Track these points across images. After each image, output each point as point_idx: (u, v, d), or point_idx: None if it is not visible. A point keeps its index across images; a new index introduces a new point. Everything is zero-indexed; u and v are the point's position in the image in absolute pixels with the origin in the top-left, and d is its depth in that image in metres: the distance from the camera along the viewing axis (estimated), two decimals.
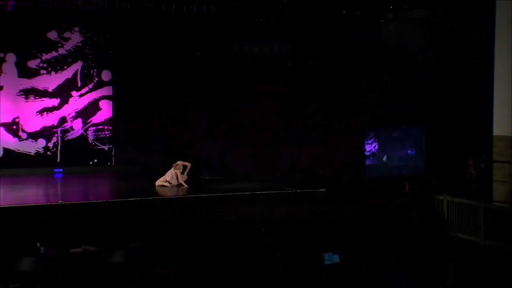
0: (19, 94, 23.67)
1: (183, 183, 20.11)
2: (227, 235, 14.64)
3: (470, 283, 14.50)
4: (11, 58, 23.48)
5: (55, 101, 24.06)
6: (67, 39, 24.14)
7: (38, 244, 13.77)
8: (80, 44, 24.31)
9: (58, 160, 23.94)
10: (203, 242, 14.27)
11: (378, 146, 20.00)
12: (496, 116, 19.16)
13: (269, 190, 19.00)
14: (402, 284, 14.35)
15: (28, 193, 19.15)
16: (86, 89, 24.46)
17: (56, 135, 24.02)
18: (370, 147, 20.02)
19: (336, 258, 12.55)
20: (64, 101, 24.15)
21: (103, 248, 13.94)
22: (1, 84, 23.36)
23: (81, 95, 24.39)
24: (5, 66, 23.41)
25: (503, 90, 18.93)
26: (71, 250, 13.81)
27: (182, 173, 20.40)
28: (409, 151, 20.36)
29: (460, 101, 21.26)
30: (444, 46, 22.65)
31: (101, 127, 24.63)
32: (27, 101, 23.74)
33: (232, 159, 22.88)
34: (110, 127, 24.71)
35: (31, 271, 12.88)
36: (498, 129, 19.13)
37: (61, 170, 23.39)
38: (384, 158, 19.83)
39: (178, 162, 20.46)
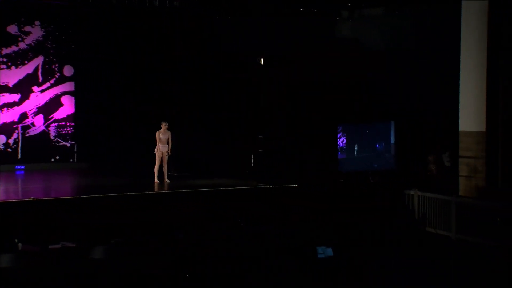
0: None
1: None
2: (208, 230, 14.53)
3: (441, 276, 14.64)
4: None
5: (15, 97, 23.54)
6: (27, 33, 23.65)
7: (16, 241, 13.47)
8: (41, 39, 23.84)
9: (19, 157, 23.39)
10: (186, 238, 14.12)
11: (346, 140, 20.04)
12: (462, 112, 19.47)
13: (242, 186, 18.84)
14: (376, 278, 14.41)
15: None
16: (48, 84, 23.99)
17: (16, 131, 23.49)
18: (339, 141, 20.07)
19: (329, 252, 12.52)
20: (25, 97, 23.65)
21: (82, 244, 13.69)
22: None
23: (42, 91, 23.91)
24: None
25: (469, 86, 19.25)
26: (50, 247, 13.54)
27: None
28: (377, 146, 20.47)
29: (430, 97, 21.48)
30: (401, 43, 22.86)
31: (63, 123, 24.17)
32: None
33: (199, 155, 22.74)
34: (72, 123, 24.23)
35: (10, 267, 12.57)
36: (464, 124, 19.44)
37: (22, 167, 22.89)
38: (356, 147, 19.93)
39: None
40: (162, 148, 19.81)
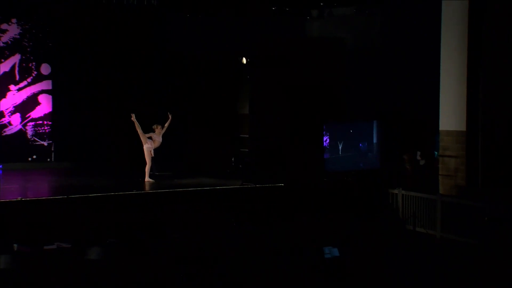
0: None
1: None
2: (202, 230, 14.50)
3: (426, 275, 14.74)
4: None
5: None
6: (4, 31, 23.28)
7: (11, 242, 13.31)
8: (18, 37, 23.49)
9: None
10: (182, 238, 14.08)
11: (329, 140, 20.12)
12: (442, 111, 19.68)
13: (227, 186, 18.83)
14: (359, 277, 14.43)
15: None
16: (25, 83, 23.68)
17: None
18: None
19: (335, 252, 12.58)
20: (1, 95, 23.28)
21: (78, 244, 13.57)
22: None
23: (19, 89, 23.58)
24: None
25: (449, 86, 19.46)
26: (45, 247, 13.41)
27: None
28: (361, 145, 20.61)
29: (412, 97, 21.67)
30: (371, 41, 23.05)
31: (41, 122, 23.88)
32: None
33: (181, 154, 22.69)
34: (50, 122, 23.96)
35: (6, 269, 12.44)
36: (444, 124, 19.66)
37: (0, 166, 22.51)
38: (340, 146, 20.03)
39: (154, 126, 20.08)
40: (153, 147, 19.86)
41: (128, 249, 13.63)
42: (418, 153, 21.12)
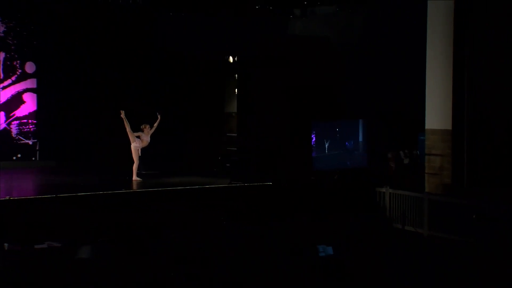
0: None
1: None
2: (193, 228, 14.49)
3: (414, 273, 14.79)
4: None
5: None
6: None
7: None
8: (2, 35, 23.34)
9: None
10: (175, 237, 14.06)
11: (316, 138, 20.18)
12: (428, 110, 19.79)
13: (216, 184, 18.83)
14: (348, 276, 14.47)
15: None
16: (9, 81, 23.54)
17: None
18: None
19: (330, 250, 12.61)
20: None
21: (68, 243, 13.52)
22: None
23: (3, 88, 23.43)
24: None
25: (435, 84, 19.58)
26: (36, 246, 13.34)
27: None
28: (347, 144, 20.68)
29: (396, 95, 21.76)
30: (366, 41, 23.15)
31: (25, 120, 23.75)
32: None
33: (167, 153, 22.67)
34: (35, 121, 23.84)
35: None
36: (430, 122, 19.77)
37: None
38: (327, 145, 20.10)
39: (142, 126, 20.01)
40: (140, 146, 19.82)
41: (120, 248, 13.56)
42: (401, 152, 21.18)
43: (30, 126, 23.83)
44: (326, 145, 20.07)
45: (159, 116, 20.18)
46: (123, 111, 19.65)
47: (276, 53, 20.34)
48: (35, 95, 23.93)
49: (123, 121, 19.64)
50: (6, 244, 13.32)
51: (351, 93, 22.06)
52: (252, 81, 20.74)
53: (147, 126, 19.95)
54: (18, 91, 23.66)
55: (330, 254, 12.65)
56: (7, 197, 15.78)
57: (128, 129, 19.69)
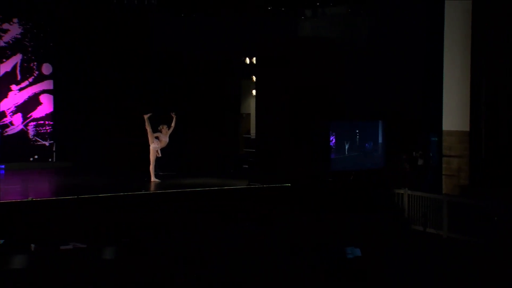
0: None
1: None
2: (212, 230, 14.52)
3: (433, 275, 14.80)
4: None
5: None
6: (5, 31, 23.27)
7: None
8: (20, 36, 23.48)
9: None
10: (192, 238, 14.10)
11: (336, 140, 20.13)
12: (445, 112, 19.80)
13: (234, 186, 18.86)
14: (366, 277, 14.47)
15: None
16: (26, 82, 23.66)
17: None
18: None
19: (357, 252, 12.62)
20: (3, 95, 23.23)
21: (93, 244, 13.58)
22: None
23: (21, 89, 23.57)
24: None
25: (452, 86, 19.58)
26: (61, 247, 13.41)
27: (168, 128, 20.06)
28: (366, 145, 20.66)
29: (410, 97, 21.74)
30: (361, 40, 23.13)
31: (42, 122, 23.85)
32: None
33: (182, 154, 22.72)
34: (51, 122, 23.94)
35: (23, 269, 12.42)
36: (447, 124, 19.79)
37: (3, 166, 22.49)
38: (347, 147, 20.09)
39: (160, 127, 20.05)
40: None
41: (138, 249, 13.64)
42: (415, 153, 21.17)
43: (47, 127, 23.92)
44: (346, 147, 20.04)
45: (174, 116, 20.18)
46: (150, 114, 19.66)
47: (287, 53, 20.26)
48: (51, 96, 24.04)
49: (144, 122, 19.66)
50: (32, 245, 13.39)
51: (364, 94, 22.02)
52: (266, 82, 20.67)
53: (165, 127, 20.00)
54: (35, 93, 23.78)
55: (357, 256, 12.64)
56: (30, 198, 15.83)
57: (149, 130, 19.74)
